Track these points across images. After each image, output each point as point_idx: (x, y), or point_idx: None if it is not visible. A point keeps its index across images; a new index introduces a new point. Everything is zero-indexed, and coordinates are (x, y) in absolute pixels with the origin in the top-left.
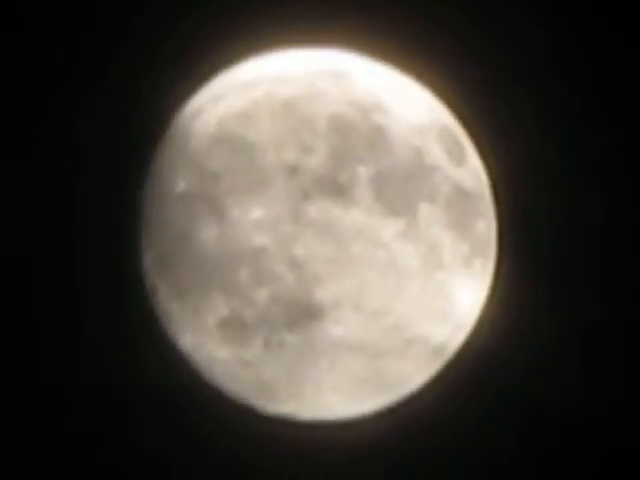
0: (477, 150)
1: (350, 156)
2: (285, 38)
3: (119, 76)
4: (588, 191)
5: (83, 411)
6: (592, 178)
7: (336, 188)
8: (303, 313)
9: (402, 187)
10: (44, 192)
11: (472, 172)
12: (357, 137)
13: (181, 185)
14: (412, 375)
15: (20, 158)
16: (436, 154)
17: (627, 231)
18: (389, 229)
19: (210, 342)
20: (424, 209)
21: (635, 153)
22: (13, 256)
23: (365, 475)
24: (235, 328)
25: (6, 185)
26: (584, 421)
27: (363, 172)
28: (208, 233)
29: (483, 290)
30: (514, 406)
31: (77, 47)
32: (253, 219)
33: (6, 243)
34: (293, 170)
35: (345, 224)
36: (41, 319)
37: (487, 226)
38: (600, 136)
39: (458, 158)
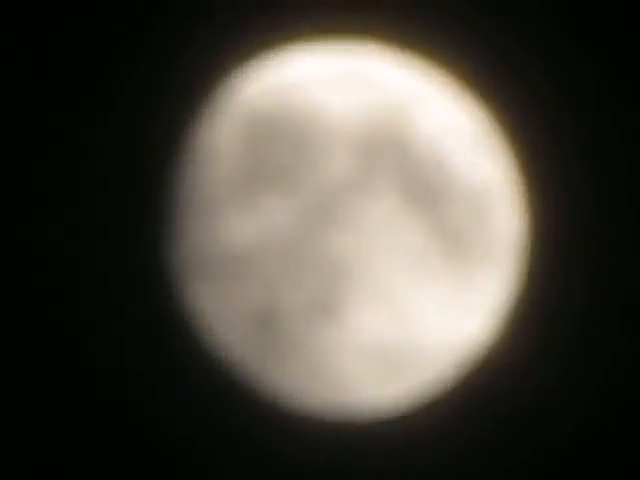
0: (503, 147)
1: (376, 153)
2: (309, 36)
3: (139, 80)
4: (616, 190)
5: (112, 411)
6: (621, 177)
7: (362, 184)
8: (327, 310)
9: (427, 183)
10: (71, 195)
11: (498, 167)
12: (383, 133)
13: (205, 184)
14: (436, 374)
15: (43, 163)
16: (461, 151)
17: None
18: (414, 225)
19: (238, 338)
20: (449, 206)
21: None
22: (42, 258)
23: (381, 478)
24: (262, 325)
25: (28, 188)
26: (609, 432)
27: (389, 168)
28: (235, 230)
29: (508, 288)
30: (539, 406)
31: (94, 52)
32: (279, 217)
33: (30, 244)
34: (319, 167)
35: (371, 220)
36: (62, 316)
37: (513, 222)
38: (630, 141)
39: (483, 155)
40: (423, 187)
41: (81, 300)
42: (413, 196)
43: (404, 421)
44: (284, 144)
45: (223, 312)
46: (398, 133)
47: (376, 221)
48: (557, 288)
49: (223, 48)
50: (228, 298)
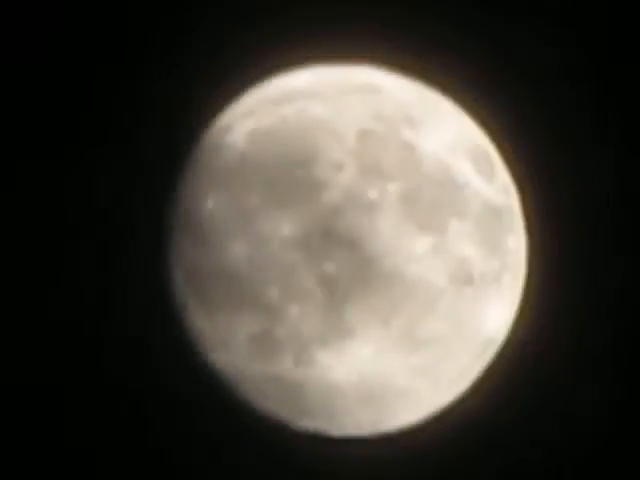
0: (507, 166)
1: (380, 172)
2: (315, 54)
3: (148, 94)
4: (622, 205)
5: (110, 427)
6: (624, 193)
7: (366, 204)
8: (333, 329)
9: (432, 203)
10: (74, 208)
11: (502, 188)
12: (387, 153)
13: (211, 202)
14: (441, 393)
15: (51, 174)
16: (466, 170)
17: None
18: (419, 245)
19: (240, 358)
20: (454, 225)
21: None
22: (41, 270)
23: None
24: (265, 344)
25: (34, 201)
26: (616, 437)
27: (393, 188)
28: (238, 249)
29: (513, 306)
30: (543, 422)
31: (106, 62)
32: (283, 235)
33: (34, 256)
34: (323, 186)
35: (375, 240)
36: (70, 334)
37: (517, 242)
38: (635, 155)
39: (488, 174)
40: (427, 206)
41: (68, 316)
42: (416, 214)
43: (410, 437)
44: (285, 164)
45: (223, 331)
46: (403, 153)
47: (380, 242)
48: (561, 309)
49: (233, 68)
50: (228, 318)
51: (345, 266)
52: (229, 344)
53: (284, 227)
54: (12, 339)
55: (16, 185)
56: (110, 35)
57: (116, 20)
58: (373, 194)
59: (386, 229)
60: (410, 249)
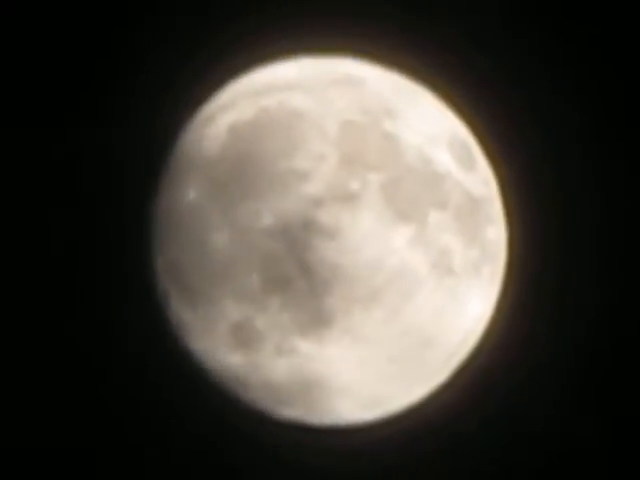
0: (487, 157)
1: (361, 163)
2: (297, 46)
3: (131, 85)
4: (600, 198)
5: (93, 415)
6: (606, 185)
7: (347, 195)
8: (314, 319)
9: (412, 194)
10: (57, 196)
11: (482, 179)
12: (368, 144)
13: (192, 192)
14: (422, 382)
15: (32, 163)
16: (446, 161)
17: None
18: (399, 235)
19: (221, 348)
20: (434, 216)
21: None
22: (28, 258)
23: None
24: (246, 334)
25: (21, 187)
26: (593, 433)
27: (373, 179)
28: (219, 239)
29: (493, 296)
30: (521, 414)
31: (90, 55)
32: (264, 226)
33: (20, 246)
34: (304, 177)
35: (355, 230)
36: (51, 323)
37: (497, 232)
38: (617, 142)
39: (468, 165)
40: (408, 196)
41: (49, 305)
42: (397, 205)
43: (390, 425)
44: (266, 155)
45: (204, 321)
46: (384, 144)
47: (361, 232)
48: (541, 299)
49: (214, 60)
50: (209, 308)
51: (326, 256)
52: (210, 333)
53: (265, 217)
54: None
55: None
56: (92, 27)
57: (98, 12)
58: (354, 185)
59: (367, 219)
60: (390, 239)
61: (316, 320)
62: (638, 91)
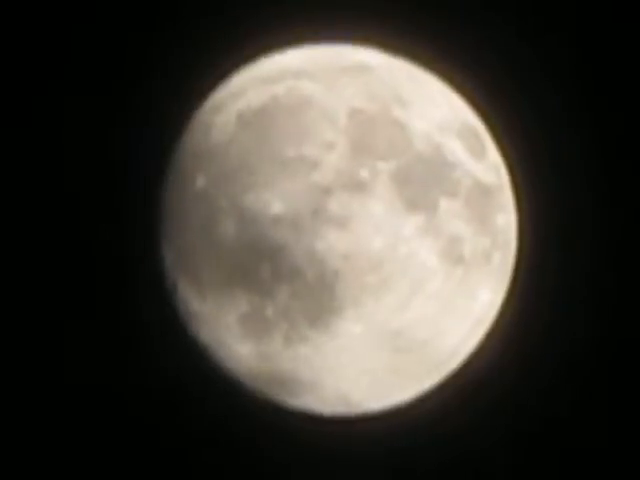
0: (497, 145)
1: (370, 151)
2: (305, 34)
3: (141, 73)
4: (610, 187)
5: (102, 405)
6: (615, 174)
7: (356, 183)
8: (323, 308)
9: (422, 182)
10: (65, 186)
11: (492, 167)
12: (377, 132)
13: (201, 180)
14: (431, 370)
15: (43, 155)
16: (456, 149)
17: None
18: (409, 224)
19: (231, 337)
20: (444, 204)
21: None
22: (32, 254)
23: (382, 469)
24: (255, 323)
25: (25, 184)
26: (600, 426)
27: (383, 167)
28: (228, 228)
29: (503, 284)
30: (530, 403)
31: (98, 46)
32: (273, 214)
33: (25, 241)
34: (313, 165)
35: (365, 219)
36: (60, 315)
37: (507, 220)
38: (626, 133)
39: (478, 153)
40: (417, 185)
41: (58, 297)
42: (407, 193)
43: (399, 415)
44: (275, 143)
45: (213, 311)
46: (393, 132)
47: (371, 220)
48: (551, 287)
49: (222, 48)
50: (218, 297)
51: (335, 245)
52: (219, 323)
53: (275, 206)
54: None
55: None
56: (101, 17)
57: (106, 3)
58: (364, 173)
59: (376, 208)
60: (400, 228)
61: (326, 310)
62: None
